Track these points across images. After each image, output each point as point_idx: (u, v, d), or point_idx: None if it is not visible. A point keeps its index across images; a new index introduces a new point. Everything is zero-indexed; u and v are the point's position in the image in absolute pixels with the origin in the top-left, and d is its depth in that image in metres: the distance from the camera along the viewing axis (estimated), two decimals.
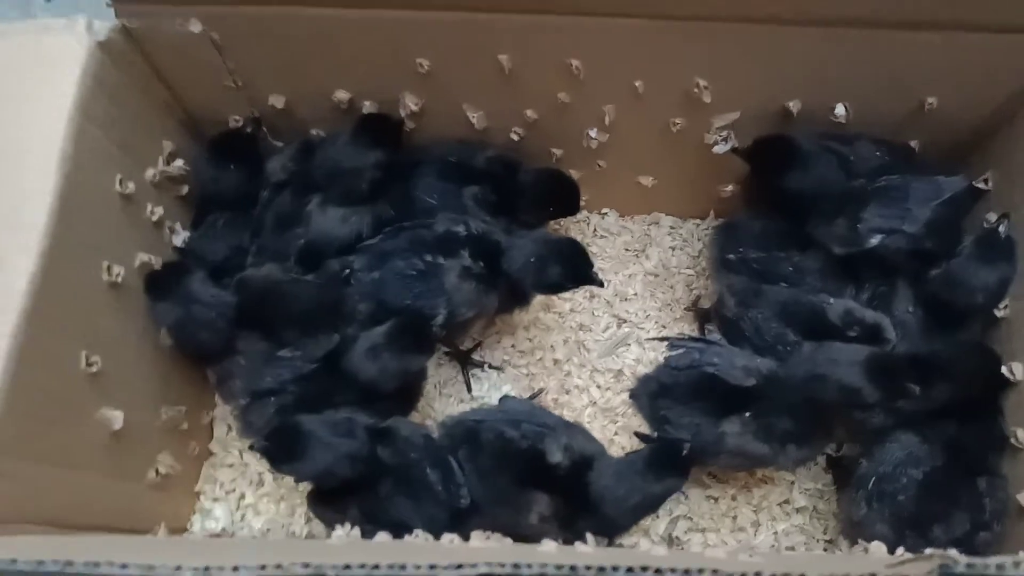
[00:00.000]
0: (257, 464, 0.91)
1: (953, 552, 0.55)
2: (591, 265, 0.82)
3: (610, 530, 0.76)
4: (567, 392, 0.95)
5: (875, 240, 0.80)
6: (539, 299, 0.96)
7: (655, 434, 0.83)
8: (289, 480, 0.88)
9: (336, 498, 0.75)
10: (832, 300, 0.82)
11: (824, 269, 0.86)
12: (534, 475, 0.75)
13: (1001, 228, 0.77)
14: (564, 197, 0.92)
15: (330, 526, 0.71)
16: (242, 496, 0.90)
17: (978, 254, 0.78)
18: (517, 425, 0.77)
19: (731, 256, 0.88)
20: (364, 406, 0.78)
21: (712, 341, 0.85)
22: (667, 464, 0.75)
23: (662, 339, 0.92)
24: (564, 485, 0.75)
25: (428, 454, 0.76)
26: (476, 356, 0.97)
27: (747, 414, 0.77)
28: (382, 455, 0.74)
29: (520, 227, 0.89)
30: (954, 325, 0.82)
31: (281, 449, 0.72)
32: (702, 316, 0.97)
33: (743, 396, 0.78)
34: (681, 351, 0.83)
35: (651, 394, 0.82)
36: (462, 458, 0.77)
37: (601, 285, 0.84)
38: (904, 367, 0.74)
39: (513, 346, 0.98)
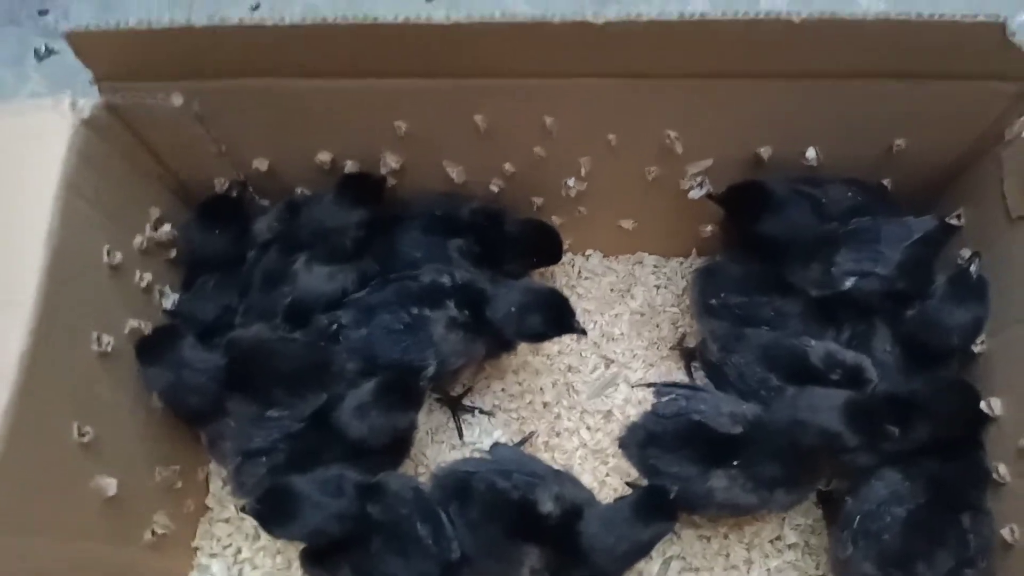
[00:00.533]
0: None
1: None
2: (572, 314, 0.84)
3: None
4: (557, 435, 0.96)
5: (849, 283, 0.82)
6: (526, 344, 0.98)
7: (645, 482, 0.84)
8: None
9: (328, 556, 0.76)
10: (813, 343, 0.83)
11: (805, 312, 0.87)
12: (525, 527, 0.76)
13: (972, 268, 0.78)
14: (547, 247, 0.94)
15: None
16: (239, 551, 0.91)
17: (951, 295, 0.79)
18: (508, 475, 0.78)
19: (713, 301, 0.90)
20: (354, 462, 0.79)
21: (698, 388, 0.86)
22: (654, 509, 0.76)
23: (648, 385, 0.93)
24: (555, 536, 0.75)
25: (418, 508, 0.77)
26: (466, 402, 0.98)
27: (735, 463, 0.78)
28: (372, 511, 0.75)
29: (504, 277, 0.90)
30: (932, 364, 0.83)
31: (272, 511, 0.73)
32: (688, 355, 0.98)
33: (730, 444, 0.79)
34: (667, 398, 0.84)
35: (639, 443, 0.83)
36: (453, 511, 0.78)
37: (584, 333, 0.85)
38: (882, 409, 0.76)
39: (503, 390, 0.99)
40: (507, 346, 0.89)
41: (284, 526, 0.73)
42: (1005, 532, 0.75)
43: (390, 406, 0.78)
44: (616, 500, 0.79)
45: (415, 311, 0.83)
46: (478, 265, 0.89)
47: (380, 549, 0.75)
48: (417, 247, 0.89)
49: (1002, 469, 0.76)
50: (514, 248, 0.92)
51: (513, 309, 0.82)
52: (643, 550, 0.78)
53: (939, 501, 0.77)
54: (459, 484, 0.79)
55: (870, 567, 0.76)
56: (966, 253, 0.83)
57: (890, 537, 0.76)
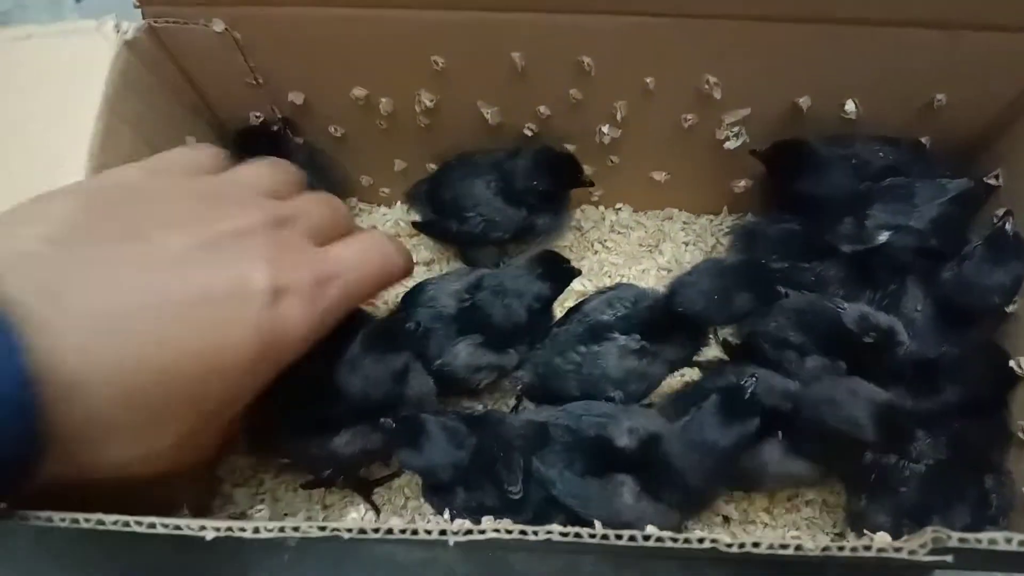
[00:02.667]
0: None
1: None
2: (776, 281, 0.80)
3: (694, 496, 0.75)
4: None
5: (883, 237, 0.81)
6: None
7: None
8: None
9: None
10: (846, 305, 0.81)
11: (846, 277, 0.85)
12: (610, 461, 0.75)
13: (1007, 226, 0.77)
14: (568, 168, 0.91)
15: (440, 512, 0.75)
16: (261, 482, 0.92)
17: (990, 256, 0.77)
18: (578, 419, 0.78)
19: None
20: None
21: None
22: (734, 411, 0.72)
23: (692, 365, 0.91)
24: (640, 464, 0.74)
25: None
26: None
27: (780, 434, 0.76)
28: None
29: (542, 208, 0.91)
30: (965, 325, 0.82)
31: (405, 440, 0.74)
32: (731, 350, 0.95)
33: (781, 419, 0.77)
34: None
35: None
36: (539, 459, 0.77)
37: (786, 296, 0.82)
38: (913, 425, 0.74)
39: None
40: (704, 341, 0.84)
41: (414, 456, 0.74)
42: None
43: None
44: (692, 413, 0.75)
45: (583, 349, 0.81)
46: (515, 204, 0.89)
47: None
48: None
49: None
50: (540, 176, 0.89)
51: (715, 296, 0.76)
52: (729, 457, 0.73)
53: (960, 459, 0.77)
54: (536, 434, 0.78)
55: (884, 519, 0.76)
56: (1000, 212, 0.82)
57: (907, 490, 0.76)
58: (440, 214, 0.94)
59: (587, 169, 0.95)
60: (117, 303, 0.50)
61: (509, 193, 0.89)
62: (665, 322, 0.79)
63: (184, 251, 0.54)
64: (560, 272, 0.83)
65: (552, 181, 0.89)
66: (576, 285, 0.97)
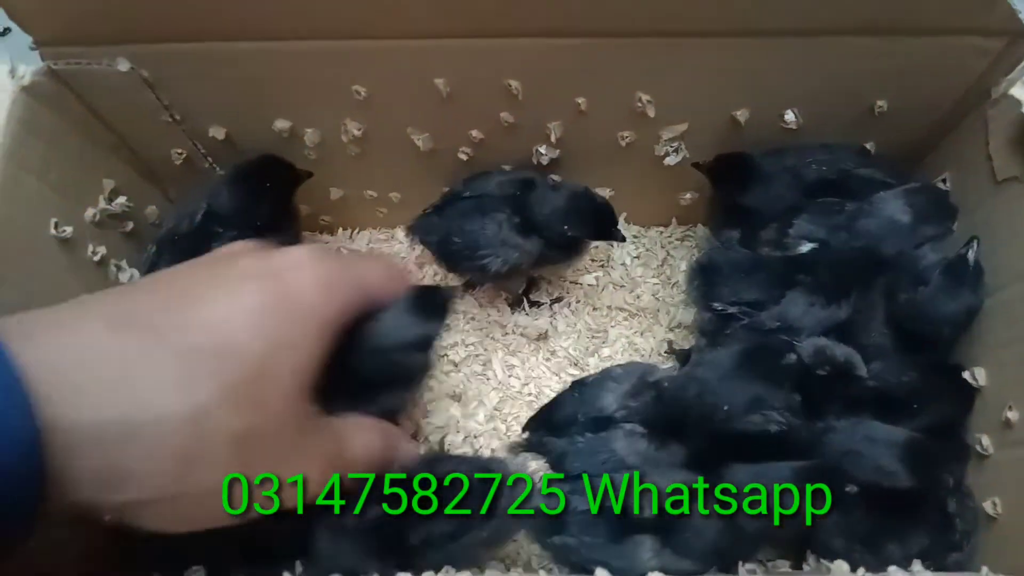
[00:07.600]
0: None
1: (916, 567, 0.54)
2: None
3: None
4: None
5: (804, 248, 0.78)
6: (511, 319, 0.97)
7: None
8: None
9: None
10: (804, 341, 0.75)
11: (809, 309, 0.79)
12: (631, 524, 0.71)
13: (970, 254, 0.74)
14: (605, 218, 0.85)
15: None
16: None
17: (946, 286, 0.74)
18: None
19: (716, 304, 0.81)
20: None
21: None
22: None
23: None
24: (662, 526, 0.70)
25: None
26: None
27: None
28: None
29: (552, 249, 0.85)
30: (922, 349, 0.79)
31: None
32: (684, 358, 0.90)
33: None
34: None
35: None
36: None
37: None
38: (939, 451, 0.71)
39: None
40: None
41: None
42: (987, 505, 0.72)
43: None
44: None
45: None
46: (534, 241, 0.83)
47: None
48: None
49: (985, 441, 0.74)
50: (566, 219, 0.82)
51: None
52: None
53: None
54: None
55: (839, 543, 0.74)
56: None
57: (861, 514, 0.74)
58: (449, 258, 0.86)
59: None
60: None
61: (529, 231, 0.82)
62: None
63: None
64: None
65: (584, 230, 0.84)
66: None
